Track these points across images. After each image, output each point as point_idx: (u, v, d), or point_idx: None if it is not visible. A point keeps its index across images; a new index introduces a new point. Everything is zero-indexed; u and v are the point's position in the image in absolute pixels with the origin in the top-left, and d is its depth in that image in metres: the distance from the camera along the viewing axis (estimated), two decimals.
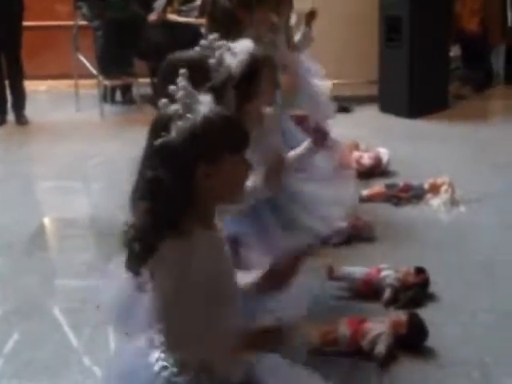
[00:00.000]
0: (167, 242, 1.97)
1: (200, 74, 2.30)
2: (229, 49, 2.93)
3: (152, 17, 7.22)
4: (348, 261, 4.03)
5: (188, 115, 2.00)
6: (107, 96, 7.68)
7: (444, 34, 7.09)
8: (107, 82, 7.44)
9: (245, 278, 2.27)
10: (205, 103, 2.06)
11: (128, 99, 7.72)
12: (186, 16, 7.18)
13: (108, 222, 4.93)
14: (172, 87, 2.08)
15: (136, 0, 7.28)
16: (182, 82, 2.07)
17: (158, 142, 1.99)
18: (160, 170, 1.98)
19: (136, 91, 7.58)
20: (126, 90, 7.74)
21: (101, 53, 7.29)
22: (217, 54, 2.65)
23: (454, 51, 7.69)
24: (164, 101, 2.07)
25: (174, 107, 2.02)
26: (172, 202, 1.99)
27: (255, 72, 3.02)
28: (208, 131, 1.99)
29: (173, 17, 7.21)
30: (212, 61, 2.51)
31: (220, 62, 2.59)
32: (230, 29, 3.51)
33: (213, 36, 2.80)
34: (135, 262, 2.04)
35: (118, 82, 7.52)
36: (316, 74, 4.89)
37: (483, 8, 7.48)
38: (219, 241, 2.12)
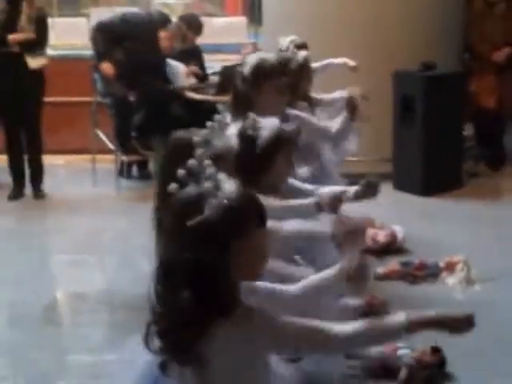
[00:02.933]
0: (219, 324, 2.00)
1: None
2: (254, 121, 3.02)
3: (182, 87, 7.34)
4: None
5: (219, 192, 2.03)
6: (124, 171, 7.74)
7: (458, 112, 7.15)
8: (124, 158, 7.51)
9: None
10: (226, 181, 2.10)
11: (144, 174, 7.77)
12: (203, 93, 7.29)
13: (121, 296, 4.94)
14: (191, 163, 2.11)
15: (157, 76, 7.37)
16: (206, 160, 2.12)
17: (194, 221, 1.99)
18: (199, 251, 1.98)
19: (153, 166, 7.64)
20: (143, 165, 7.80)
21: (117, 128, 7.38)
22: (203, 135, 2.67)
23: (468, 129, 7.73)
24: (174, 186, 2.10)
25: (206, 184, 2.05)
26: (220, 283, 2.00)
27: (276, 149, 3.09)
28: (242, 206, 2.03)
29: (191, 94, 7.31)
30: (196, 139, 2.54)
31: (206, 140, 2.62)
32: (246, 109, 3.58)
33: (222, 115, 2.86)
34: (175, 350, 2.02)
35: (135, 158, 7.59)
36: None
37: (499, 85, 7.54)
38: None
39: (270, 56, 4.01)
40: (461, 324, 2.26)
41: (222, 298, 2.01)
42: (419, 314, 2.29)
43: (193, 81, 7.57)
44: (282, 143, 3.16)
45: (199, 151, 2.30)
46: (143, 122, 7.20)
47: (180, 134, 2.85)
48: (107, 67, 7.20)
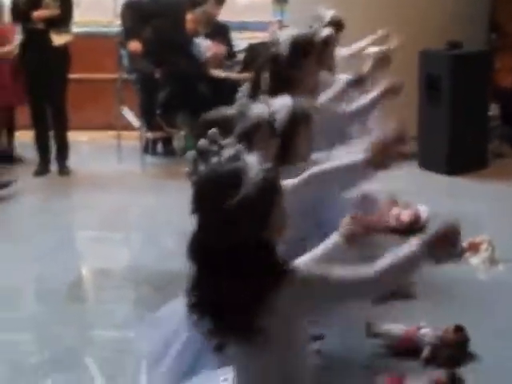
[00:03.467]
0: (280, 291, 2.05)
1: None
2: (267, 104, 3.01)
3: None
4: (387, 318, 4.00)
5: (249, 170, 2.07)
6: (149, 148, 7.77)
7: (484, 91, 7.10)
8: (149, 134, 7.54)
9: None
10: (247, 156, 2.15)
11: (169, 151, 7.79)
12: (229, 71, 7.28)
13: (146, 272, 4.97)
14: (202, 142, 2.14)
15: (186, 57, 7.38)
16: (232, 141, 2.20)
17: (233, 201, 2.02)
18: (245, 226, 2.05)
19: (177, 143, 7.66)
20: (168, 142, 7.82)
21: (143, 104, 7.40)
22: (239, 106, 2.69)
23: (493, 109, 7.68)
24: (191, 153, 2.16)
25: (240, 163, 2.08)
26: (266, 255, 2.09)
27: (292, 129, 3.09)
28: (271, 179, 2.11)
29: (216, 71, 7.31)
30: (233, 112, 2.56)
31: (242, 113, 2.64)
32: (284, 88, 3.59)
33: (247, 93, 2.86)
34: (237, 331, 2.07)
35: (159, 135, 7.61)
36: None
37: None
38: None
39: (302, 32, 3.99)
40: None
41: (272, 269, 2.08)
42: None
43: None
44: (297, 123, 3.16)
45: (237, 125, 2.32)
46: (168, 99, 7.23)
47: (211, 113, 2.84)
48: (135, 45, 7.23)
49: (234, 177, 2.05)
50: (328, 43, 4.79)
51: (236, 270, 2.03)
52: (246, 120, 2.52)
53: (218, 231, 2.05)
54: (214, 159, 2.14)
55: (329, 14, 5.35)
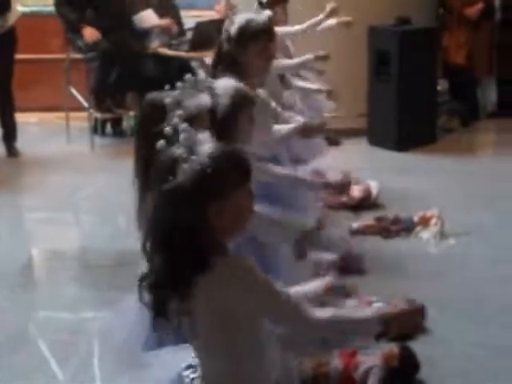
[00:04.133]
0: (198, 280, 2.01)
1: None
2: (210, 88, 3.00)
3: (154, 45, 7.28)
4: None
5: (192, 157, 2.03)
6: (98, 128, 7.69)
7: (432, 67, 7.16)
8: (98, 115, 7.46)
9: None
10: (205, 141, 2.10)
11: (118, 132, 7.73)
12: (177, 50, 7.22)
13: (97, 253, 4.95)
14: (167, 129, 2.11)
15: (129, 32, 7.31)
16: (182, 124, 2.10)
17: (167, 187, 2.02)
18: (173, 215, 2.01)
19: (127, 124, 7.60)
20: (117, 122, 7.75)
21: (96, 84, 7.29)
22: (175, 96, 2.65)
23: (442, 85, 7.75)
24: (162, 142, 2.09)
25: (178, 151, 2.05)
26: (191, 246, 2.02)
27: (235, 113, 3.09)
28: (215, 170, 2.03)
29: (163, 50, 7.25)
30: (168, 100, 2.52)
31: (177, 102, 2.60)
32: (229, 70, 3.59)
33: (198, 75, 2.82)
34: (163, 308, 2.06)
35: (108, 115, 7.54)
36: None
37: (469, 41, 7.55)
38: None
39: (259, 17, 3.94)
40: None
41: (198, 257, 2.02)
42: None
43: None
44: (239, 106, 3.15)
45: (171, 114, 2.28)
46: (116, 80, 7.15)
47: (152, 95, 2.81)
48: (91, 32, 7.11)
49: (173, 163, 2.03)
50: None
51: (169, 248, 2.03)
52: (183, 109, 2.48)
53: (156, 211, 2.06)
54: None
55: None
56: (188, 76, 2.83)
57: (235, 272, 2.05)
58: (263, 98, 3.85)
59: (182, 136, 2.08)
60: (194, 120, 2.43)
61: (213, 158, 2.04)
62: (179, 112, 2.25)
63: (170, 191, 2.01)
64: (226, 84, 3.20)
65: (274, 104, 4.11)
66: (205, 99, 2.92)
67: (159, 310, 2.06)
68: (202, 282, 2.02)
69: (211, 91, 3.01)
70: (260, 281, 2.07)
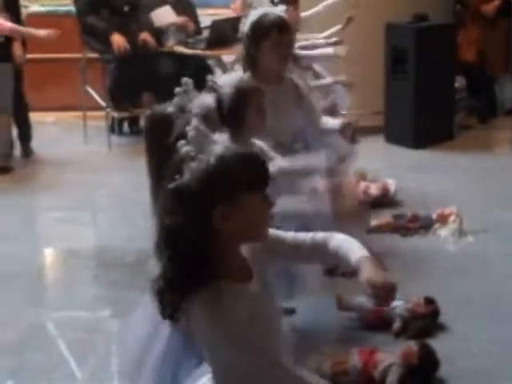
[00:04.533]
0: (196, 295, 1.91)
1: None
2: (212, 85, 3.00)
3: (170, 43, 7.28)
4: (357, 291, 4.01)
5: (200, 156, 1.93)
6: (115, 127, 7.71)
7: (449, 64, 7.12)
8: (115, 114, 7.47)
9: None
10: (220, 142, 1.99)
11: (136, 130, 7.73)
12: (193, 48, 7.21)
13: (114, 252, 4.95)
14: (188, 127, 2.04)
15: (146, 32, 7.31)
16: (194, 122, 2.02)
17: (172, 185, 1.92)
18: (176, 215, 1.91)
19: (143, 123, 7.61)
20: (134, 121, 7.76)
21: (113, 84, 7.28)
22: (176, 103, 2.62)
23: (459, 81, 7.71)
24: (182, 142, 2.00)
25: (186, 148, 1.95)
26: (192, 249, 1.91)
27: (242, 104, 3.08)
28: (222, 171, 1.91)
29: (180, 48, 7.24)
30: (171, 109, 2.48)
31: (181, 108, 2.57)
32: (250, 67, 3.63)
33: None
34: (167, 311, 1.97)
35: (125, 114, 7.55)
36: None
37: (482, 38, 7.50)
38: (247, 293, 2.00)
39: (271, 12, 3.92)
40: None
41: (197, 263, 1.92)
42: None
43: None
44: (245, 95, 3.14)
45: (179, 122, 2.26)
46: (133, 79, 7.15)
47: (153, 110, 2.77)
48: (118, 40, 7.12)
49: (181, 162, 1.95)
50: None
51: (167, 253, 1.94)
52: (192, 110, 2.45)
53: (163, 211, 1.98)
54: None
55: None
56: (177, 89, 2.73)
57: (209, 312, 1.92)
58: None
59: (191, 134, 1.99)
60: (205, 120, 2.42)
61: (222, 157, 1.92)
62: (195, 111, 2.22)
63: (174, 190, 1.92)
64: (228, 78, 3.20)
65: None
66: (207, 98, 2.90)
67: (166, 314, 1.97)
68: (195, 301, 1.92)
69: (214, 87, 3.01)
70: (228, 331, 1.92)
